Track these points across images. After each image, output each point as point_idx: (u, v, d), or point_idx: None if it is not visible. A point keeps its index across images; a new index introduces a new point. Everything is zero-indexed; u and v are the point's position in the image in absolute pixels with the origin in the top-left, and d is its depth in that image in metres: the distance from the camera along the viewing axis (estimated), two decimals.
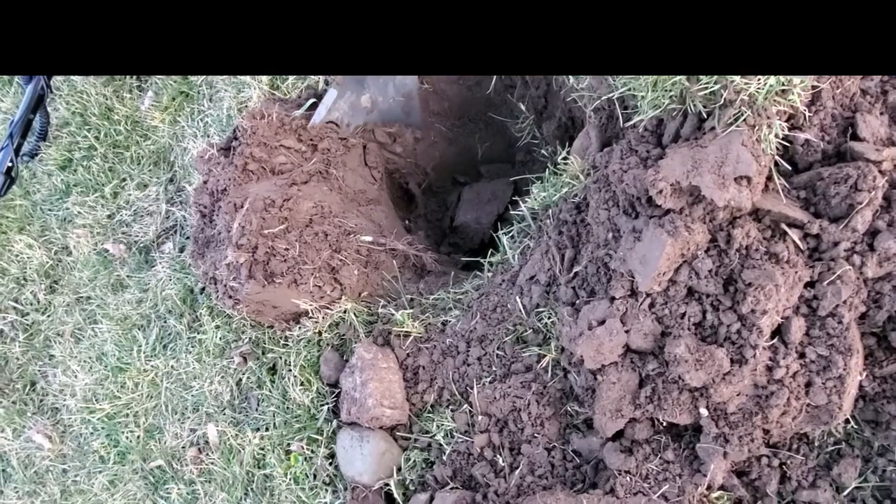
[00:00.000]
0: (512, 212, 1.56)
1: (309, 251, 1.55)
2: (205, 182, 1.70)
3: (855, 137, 1.07)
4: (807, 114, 1.08)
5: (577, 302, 1.27)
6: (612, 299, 1.16)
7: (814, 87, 1.07)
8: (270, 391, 1.68)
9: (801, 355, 1.04)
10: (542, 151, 1.88)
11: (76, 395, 2.05)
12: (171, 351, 1.93)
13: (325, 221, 1.60)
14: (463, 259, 1.67)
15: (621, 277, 1.15)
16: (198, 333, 1.87)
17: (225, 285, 1.56)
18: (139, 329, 2.02)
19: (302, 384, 1.61)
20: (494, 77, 1.76)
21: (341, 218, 1.63)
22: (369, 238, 1.64)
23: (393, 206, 1.89)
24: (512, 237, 1.55)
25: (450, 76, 1.90)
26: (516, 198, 1.91)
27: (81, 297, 2.19)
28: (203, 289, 1.90)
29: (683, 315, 1.10)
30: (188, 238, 2.06)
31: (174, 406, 1.88)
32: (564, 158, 1.47)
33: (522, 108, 1.87)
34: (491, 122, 2.01)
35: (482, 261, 1.57)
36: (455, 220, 2.00)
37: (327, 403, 1.56)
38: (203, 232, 1.70)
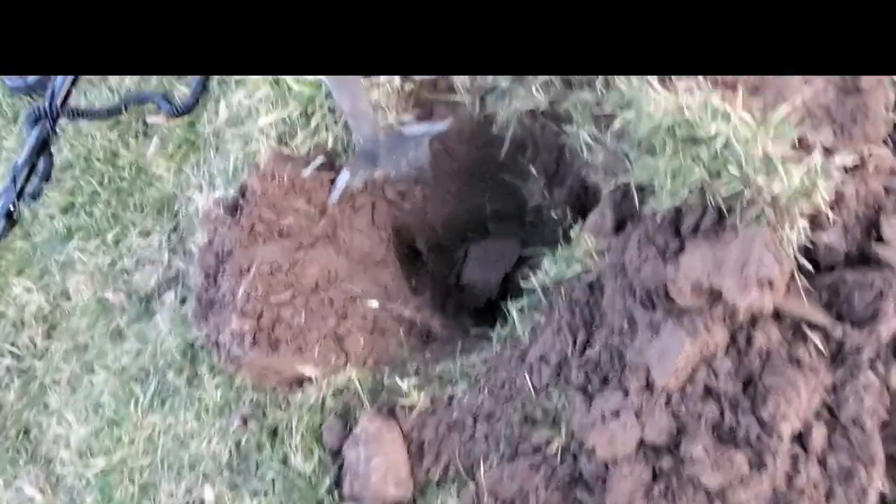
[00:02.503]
0: (522, 283, 1.54)
1: (315, 319, 1.52)
2: (210, 242, 1.68)
3: (879, 239, 1.06)
4: (830, 215, 1.06)
5: (590, 387, 1.25)
6: (627, 392, 1.14)
7: (839, 190, 1.06)
8: (271, 456, 1.64)
9: (823, 463, 1.02)
10: (552, 214, 1.86)
11: (70, 446, 2.01)
12: (170, 406, 1.89)
13: (331, 287, 1.58)
14: (471, 330, 1.64)
15: (637, 370, 1.13)
16: (197, 390, 1.84)
17: (228, 351, 1.53)
18: (137, 382, 1.98)
19: (303, 451, 1.58)
20: (507, 140, 1.75)
21: (348, 282, 1.61)
22: (376, 303, 1.62)
23: (399, 266, 1.87)
24: (521, 310, 1.52)
25: (461, 137, 1.88)
26: (527, 251, 1.89)
27: (79, 344, 2.16)
28: (203, 345, 1.87)
29: (700, 415, 1.07)
30: (190, 290, 2.03)
31: (170, 464, 1.84)
32: (575, 233, 1.46)
33: (533, 171, 1.86)
34: (501, 182, 2.00)
35: (490, 332, 1.54)
36: (461, 279, 1.98)
37: (329, 474, 1.53)
38: (207, 293, 1.67)
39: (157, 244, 2.13)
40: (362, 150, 1.78)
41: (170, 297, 2.06)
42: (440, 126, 1.78)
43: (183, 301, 2.03)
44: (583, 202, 1.78)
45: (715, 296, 1.05)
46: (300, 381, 1.62)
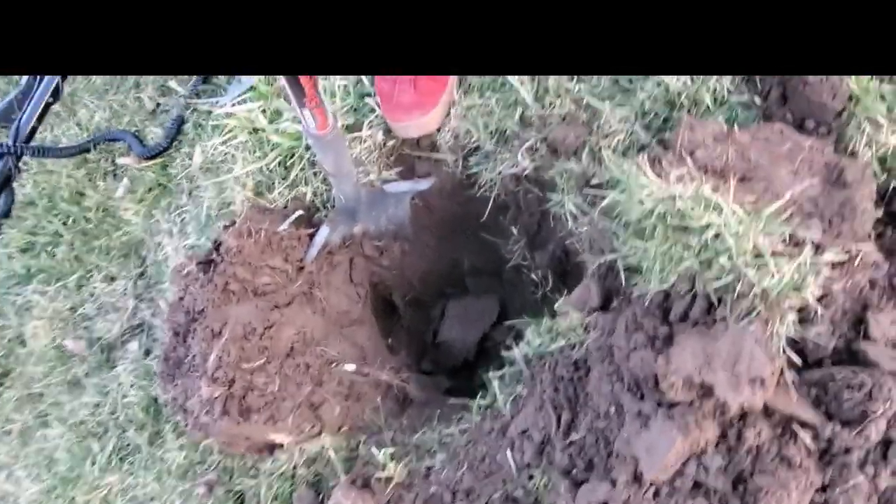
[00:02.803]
0: (503, 352, 1.51)
1: (289, 386, 1.47)
2: (180, 299, 1.61)
3: (866, 336, 1.06)
4: (818, 309, 1.06)
5: (574, 471, 1.22)
6: (615, 483, 1.11)
7: (826, 284, 1.06)
8: None
9: None
10: (532, 276, 1.85)
11: None
12: (129, 466, 1.80)
13: (307, 351, 1.53)
14: (451, 398, 1.60)
15: (624, 461, 1.11)
16: (160, 450, 1.75)
17: (195, 418, 1.46)
18: (94, 437, 1.88)
19: None
20: (491, 201, 1.73)
21: (324, 345, 1.56)
22: (352, 367, 1.57)
23: (376, 322, 1.83)
24: (503, 379, 1.49)
25: (442, 193, 1.86)
26: (510, 320, 1.87)
27: (33, 393, 2.05)
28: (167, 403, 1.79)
29: None
30: (155, 340, 1.95)
31: None
32: (559, 306, 1.44)
33: (514, 231, 1.85)
34: (481, 239, 1.98)
35: (471, 403, 1.50)
36: (438, 336, 1.94)
37: None
38: (175, 352, 1.60)
39: (122, 290, 2.05)
40: (342, 207, 1.74)
41: (133, 347, 1.98)
42: (423, 184, 1.78)
43: (147, 352, 1.95)
44: (564, 267, 1.77)
45: (706, 391, 1.03)
46: (271, 448, 1.56)
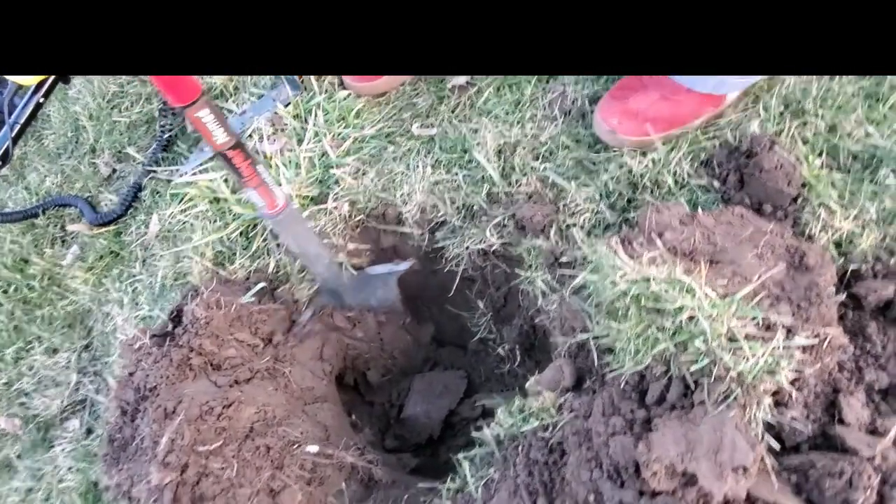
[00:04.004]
0: (474, 433, 1.46)
1: (247, 470, 1.38)
2: (130, 374, 1.52)
3: (841, 420, 1.07)
4: (792, 392, 1.07)
5: None
6: None
7: (798, 369, 1.08)
8: None
9: None
10: (499, 350, 1.83)
11: None
12: None
13: (267, 432, 1.44)
14: (420, 483, 1.53)
15: None
16: None
17: None
18: None
19: None
20: (458, 276, 1.72)
21: (286, 425, 1.48)
22: (315, 449, 1.49)
23: (339, 400, 1.76)
24: (472, 462, 1.44)
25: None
26: (479, 396, 1.83)
27: None
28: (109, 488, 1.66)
29: None
30: (97, 418, 1.83)
31: None
32: (531, 386, 1.41)
33: (481, 305, 1.83)
34: (447, 312, 1.96)
35: (439, 486, 1.44)
36: (403, 412, 1.88)
37: None
38: (122, 432, 1.49)
39: (64, 363, 1.93)
40: (325, 289, 1.73)
41: (74, 425, 1.85)
42: (404, 265, 1.81)
43: (89, 432, 1.81)
44: (531, 341, 1.75)
45: (689, 480, 1.01)
46: None
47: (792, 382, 1.09)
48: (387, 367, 1.91)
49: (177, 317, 1.60)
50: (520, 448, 1.34)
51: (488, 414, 1.51)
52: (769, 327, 1.09)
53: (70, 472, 1.72)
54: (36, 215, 2.07)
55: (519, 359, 1.76)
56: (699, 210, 1.37)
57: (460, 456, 1.46)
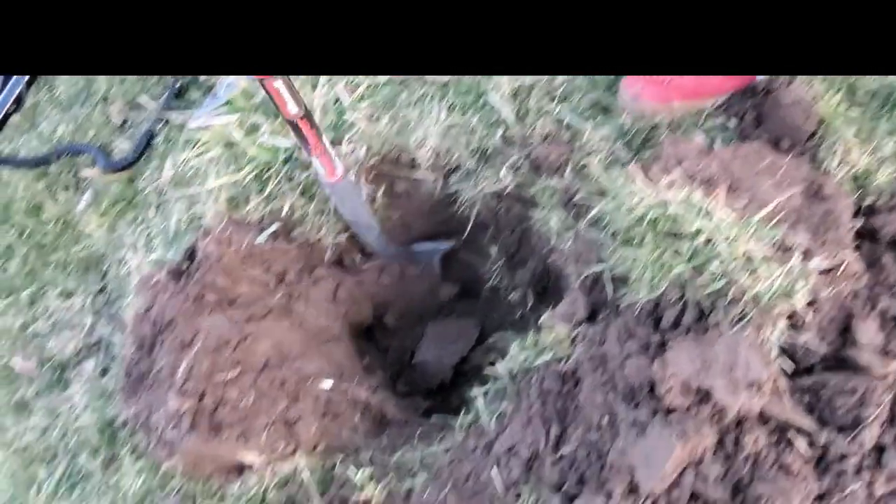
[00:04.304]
0: (487, 369, 1.47)
1: (263, 401, 1.40)
2: (147, 309, 1.53)
3: (854, 342, 1.08)
4: (807, 315, 1.08)
5: (565, 486, 1.18)
6: (609, 495, 1.08)
7: (814, 292, 1.08)
8: None
9: None
10: (512, 296, 1.84)
11: None
12: (80, 493, 1.67)
13: (283, 365, 1.46)
14: (432, 417, 1.55)
15: (620, 472, 1.08)
16: (115, 475, 1.63)
17: (161, 434, 1.37)
18: (41, 463, 1.75)
19: None
20: (471, 220, 1.72)
21: (301, 360, 1.50)
22: (329, 384, 1.51)
23: (351, 343, 1.77)
24: (486, 396, 1.45)
25: (420, 212, 1.85)
26: (492, 337, 1.84)
27: None
28: (126, 423, 1.68)
29: None
30: (113, 359, 1.85)
31: None
32: (545, 320, 1.42)
33: (493, 251, 1.84)
34: (459, 260, 1.97)
35: (452, 421, 1.46)
36: (416, 357, 1.90)
37: None
38: (139, 365, 1.51)
39: (78, 307, 1.94)
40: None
41: (89, 366, 1.86)
42: (445, 245, 1.93)
43: (104, 372, 1.83)
44: (544, 284, 1.76)
45: (703, 396, 1.02)
46: (239, 470, 1.47)
47: (807, 305, 1.09)
48: (403, 312, 1.92)
49: (191, 255, 1.61)
50: (533, 380, 1.36)
51: (502, 356, 1.51)
52: (786, 250, 1.09)
53: (86, 411, 1.75)
54: (49, 162, 2.08)
55: (532, 303, 1.76)
56: (717, 144, 1.37)
57: (473, 391, 1.48)
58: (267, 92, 1.32)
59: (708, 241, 1.10)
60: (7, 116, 2.09)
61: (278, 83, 1.28)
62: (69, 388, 1.82)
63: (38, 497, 1.67)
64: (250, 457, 1.39)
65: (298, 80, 1.87)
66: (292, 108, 1.34)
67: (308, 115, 1.39)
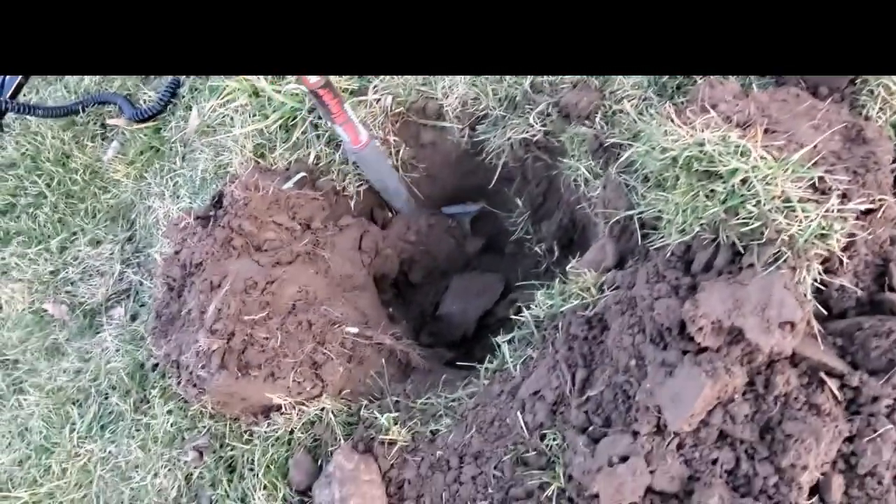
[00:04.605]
0: (513, 316, 1.48)
1: (291, 342, 1.41)
2: (176, 253, 1.55)
3: (891, 288, 1.06)
4: (843, 259, 1.06)
5: (591, 429, 1.19)
6: (636, 434, 1.08)
7: (850, 235, 1.06)
8: (227, 493, 1.49)
9: None
10: (536, 248, 1.83)
11: None
12: (111, 434, 1.72)
13: (309, 309, 1.47)
14: (457, 363, 1.56)
15: (647, 412, 1.08)
16: (145, 416, 1.67)
17: (191, 373, 1.39)
18: (74, 404, 1.79)
19: (266, 488, 1.44)
20: (498, 169, 1.70)
21: (327, 305, 1.51)
22: (355, 330, 1.52)
23: (377, 292, 1.78)
24: (511, 344, 1.46)
25: (446, 163, 1.84)
26: (514, 294, 1.84)
27: (8, 359, 1.95)
28: (156, 365, 1.72)
29: (715, 461, 1.03)
30: (142, 305, 1.88)
31: (107, 499, 1.66)
32: (572, 267, 1.41)
33: (519, 203, 1.82)
34: (477, 201, 1.96)
35: (478, 367, 1.46)
36: (440, 309, 1.90)
37: None
38: (168, 307, 1.54)
39: (108, 254, 1.97)
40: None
41: (119, 312, 1.90)
42: (473, 207, 1.98)
43: (134, 317, 1.87)
44: (570, 236, 1.75)
45: (734, 336, 1.01)
46: (267, 411, 1.49)
47: (843, 249, 1.07)
48: (429, 269, 1.93)
49: (218, 201, 1.62)
50: (559, 326, 1.35)
51: (528, 307, 1.51)
52: (824, 192, 1.07)
53: (117, 354, 1.79)
54: (77, 112, 2.09)
55: (557, 255, 1.75)
56: (753, 89, 1.33)
57: (499, 339, 1.48)
58: None
59: (744, 181, 1.08)
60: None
61: None
62: (100, 332, 1.86)
63: (71, 436, 1.72)
64: (278, 397, 1.41)
65: None
66: (312, 78, 1.37)
67: (329, 84, 1.41)
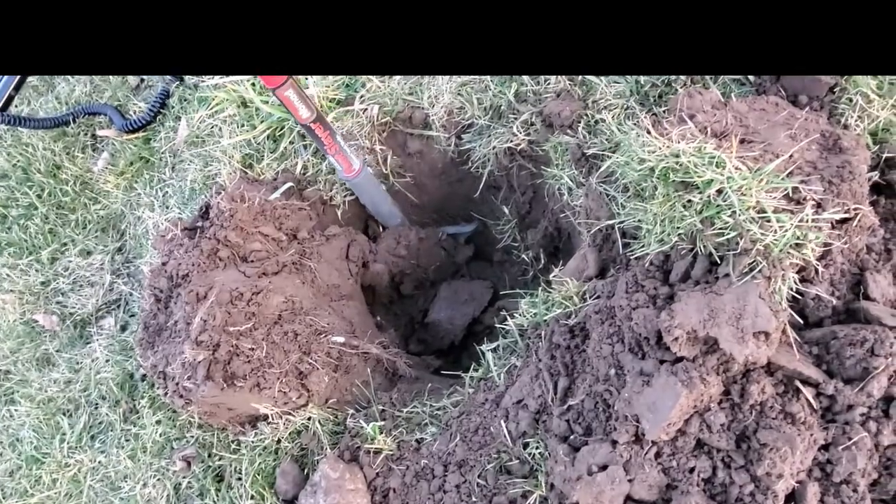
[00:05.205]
0: (497, 324, 1.49)
1: (276, 352, 1.42)
2: (163, 264, 1.56)
3: (866, 297, 1.07)
4: (819, 268, 1.07)
5: (572, 437, 1.20)
6: (615, 443, 1.09)
7: (826, 244, 1.07)
8: (215, 502, 1.50)
9: None
10: (523, 256, 1.84)
11: None
12: (100, 444, 1.73)
13: (295, 319, 1.48)
14: (442, 372, 1.57)
15: (625, 421, 1.09)
16: (134, 426, 1.68)
17: (177, 384, 1.40)
18: (64, 415, 1.80)
19: (253, 498, 1.45)
20: (484, 177, 1.72)
21: (313, 315, 1.52)
22: (341, 339, 1.53)
23: (364, 300, 1.79)
24: (496, 352, 1.47)
25: (432, 173, 1.85)
26: (501, 302, 1.85)
27: None
28: (145, 376, 1.73)
29: (693, 469, 1.03)
30: (132, 316, 1.89)
31: None
32: (555, 276, 1.42)
33: (506, 211, 1.83)
34: (470, 219, 1.97)
35: (463, 375, 1.47)
36: (428, 317, 1.91)
37: None
38: (156, 318, 1.54)
39: (98, 264, 1.98)
40: None
41: (109, 322, 1.91)
42: (469, 228, 2.02)
43: (123, 328, 1.88)
44: (555, 244, 1.76)
45: (710, 346, 1.02)
46: (254, 421, 1.50)
47: (819, 259, 1.08)
48: (420, 281, 1.94)
49: (205, 212, 1.63)
50: (542, 335, 1.36)
51: (513, 316, 1.52)
52: (799, 202, 1.07)
53: (107, 365, 1.79)
54: (67, 123, 2.10)
55: (543, 262, 1.76)
56: (733, 98, 1.34)
57: (483, 347, 1.49)
58: (280, 100, 1.40)
59: (719, 191, 1.09)
60: (24, 77, 2.10)
61: (289, 92, 1.37)
62: (90, 343, 1.87)
63: (61, 447, 1.73)
64: (264, 407, 1.42)
65: None
66: (304, 113, 1.43)
67: (320, 118, 1.47)
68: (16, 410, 1.84)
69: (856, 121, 1.29)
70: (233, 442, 1.52)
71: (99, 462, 1.68)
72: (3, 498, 1.73)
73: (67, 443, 1.73)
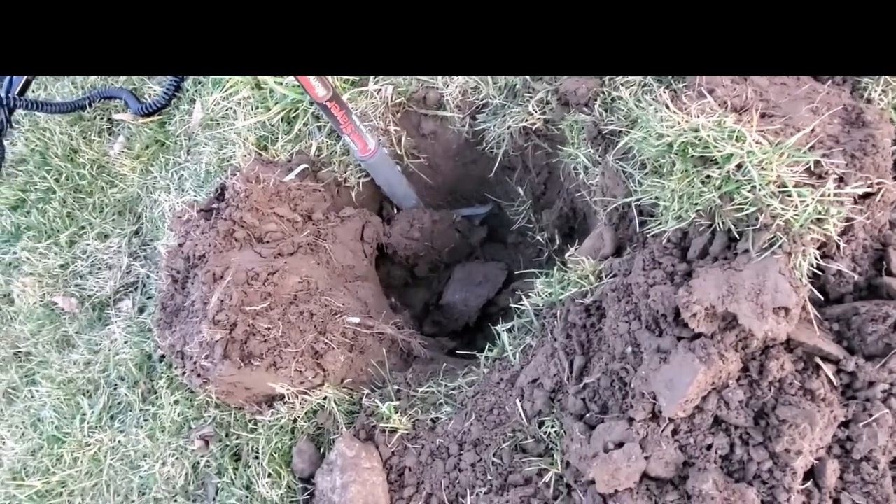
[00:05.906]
0: (512, 304, 1.48)
1: (292, 332, 1.43)
2: (180, 245, 1.57)
3: (889, 273, 1.05)
4: (840, 243, 1.05)
5: (587, 415, 1.19)
6: (631, 421, 1.08)
7: (847, 219, 1.05)
8: (233, 480, 1.52)
9: (836, 501, 0.98)
10: (538, 237, 1.83)
11: (2, 465, 1.83)
12: (120, 423, 1.75)
13: (311, 299, 1.49)
14: (457, 353, 1.57)
15: (642, 398, 1.08)
16: (153, 406, 1.70)
17: (195, 363, 1.41)
18: (84, 395, 1.83)
19: (270, 476, 1.46)
20: (499, 158, 1.70)
21: (328, 296, 1.52)
22: (357, 319, 1.53)
23: (379, 282, 1.79)
24: (511, 332, 1.46)
25: (447, 153, 1.84)
26: (515, 283, 1.84)
27: (20, 352, 1.99)
28: (163, 357, 1.74)
29: (710, 446, 1.03)
30: (150, 298, 1.91)
31: (117, 487, 1.69)
32: (571, 255, 1.41)
33: (521, 192, 1.82)
34: (484, 200, 1.96)
35: (478, 355, 1.47)
36: (442, 298, 1.91)
37: (298, 502, 1.41)
38: (173, 299, 1.56)
39: (115, 247, 2.00)
40: None
41: (127, 304, 1.93)
42: (484, 209, 2.01)
43: (141, 310, 1.90)
44: (570, 224, 1.75)
45: (728, 322, 1.01)
46: (270, 400, 1.51)
47: (841, 234, 1.06)
48: (434, 263, 1.94)
49: (221, 193, 1.64)
50: (558, 314, 1.35)
51: (528, 297, 1.51)
52: (821, 176, 1.06)
53: (125, 346, 1.81)
54: (83, 107, 2.12)
55: (558, 243, 1.75)
56: None
57: (499, 327, 1.49)
58: (297, 79, 1.39)
59: (739, 166, 1.07)
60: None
61: None
62: (109, 325, 1.89)
63: (81, 427, 1.75)
64: (280, 386, 1.43)
65: None
66: (320, 92, 1.42)
67: (336, 97, 1.46)
68: (37, 391, 1.86)
69: (880, 95, 1.26)
70: (250, 421, 1.53)
71: (118, 441, 1.71)
72: (27, 476, 1.76)
73: (88, 423, 1.76)
